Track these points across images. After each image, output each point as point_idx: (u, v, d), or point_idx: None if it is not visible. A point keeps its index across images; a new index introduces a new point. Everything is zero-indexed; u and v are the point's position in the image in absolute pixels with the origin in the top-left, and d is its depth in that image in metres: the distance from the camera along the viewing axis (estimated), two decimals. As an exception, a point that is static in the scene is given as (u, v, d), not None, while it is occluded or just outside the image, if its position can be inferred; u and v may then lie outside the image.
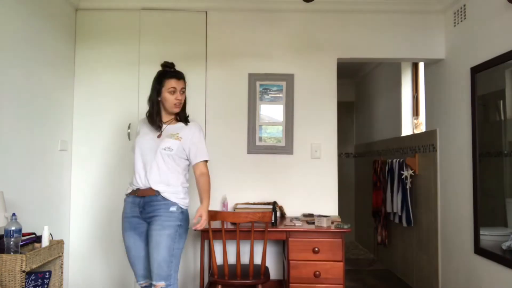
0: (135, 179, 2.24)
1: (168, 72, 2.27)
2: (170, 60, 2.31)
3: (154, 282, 2.11)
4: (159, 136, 2.26)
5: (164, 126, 2.31)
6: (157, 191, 2.17)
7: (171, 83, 2.23)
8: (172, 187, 2.19)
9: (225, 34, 3.36)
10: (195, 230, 2.23)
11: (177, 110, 2.29)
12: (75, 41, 3.31)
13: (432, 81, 3.60)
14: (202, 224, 2.20)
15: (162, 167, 2.19)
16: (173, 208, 2.15)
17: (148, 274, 2.19)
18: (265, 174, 3.31)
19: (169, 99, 2.24)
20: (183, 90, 2.28)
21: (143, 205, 2.19)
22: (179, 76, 2.27)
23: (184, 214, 2.22)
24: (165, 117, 2.33)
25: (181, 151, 2.24)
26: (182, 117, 2.34)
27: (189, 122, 2.35)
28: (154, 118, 2.27)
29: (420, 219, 3.71)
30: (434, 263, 3.42)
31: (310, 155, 3.32)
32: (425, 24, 3.36)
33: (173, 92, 2.23)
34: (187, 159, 2.30)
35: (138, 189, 2.22)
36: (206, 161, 2.32)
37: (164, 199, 2.16)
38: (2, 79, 2.38)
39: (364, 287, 3.87)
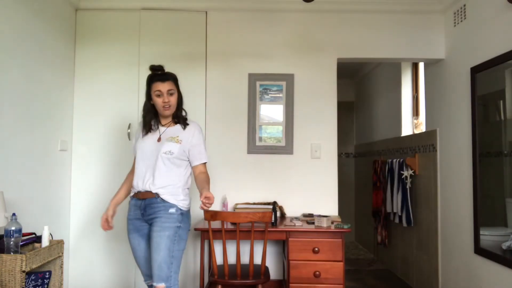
0: (135, 182, 2.25)
1: (155, 75, 2.25)
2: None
3: (154, 284, 2.11)
4: (159, 140, 2.25)
5: (163, 129, 2.30)
6: (156, 193, 2.17)
7: (157, 86, 2.21)
8: (172, 189, 2.19)
9: (225, 34, 3.36)
10: (202, 209, 2.09)
11: (167, 112, 2.26)
12: (75, 41, 3.31)
13: (432, 81, 3.60)
14: (211, 203, 2.05)
15: (163, 171, 2.20)
16: (172, 210, 2.15)
17: None
18: (265, 174, 3.31)
19: (157, 102, 2.23)
20: (170, 92, 2.22)
21: (144, 207, 2.20)
22: (164, 79, 2.22)
23: (184, 216, 2.22)
24: (163, 120, 2.33)
25: (181, 153, 2.24)
26: (180, 118, 2.31)
27: (188, 123, 2.33)
28: (145, 121, 2.30)
29: (420, 219, 3.71)
30: (434, 263, 3.42)
31: (310, 155, 3.32)
32: (425, 24, 3.36)
33: (159, 95, 2.21)
34: (189, 160, 2.30)
35: (139, 192, 2.23)
36: (205, 162, 2.33)
37: (164, 201, 2.17)
38: (2, 79, 2.38)
39: (364, 287, 3.87)
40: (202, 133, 2.36)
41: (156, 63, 2.34)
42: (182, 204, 2.21)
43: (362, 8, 3.35)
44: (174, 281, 2.14)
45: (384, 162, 4.32)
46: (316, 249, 2.67)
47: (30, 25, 2.67)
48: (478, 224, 2.79)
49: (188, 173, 2.30)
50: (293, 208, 3.28)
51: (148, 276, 2.27)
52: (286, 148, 3.32)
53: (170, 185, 2.19)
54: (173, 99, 2.25)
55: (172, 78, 2.25)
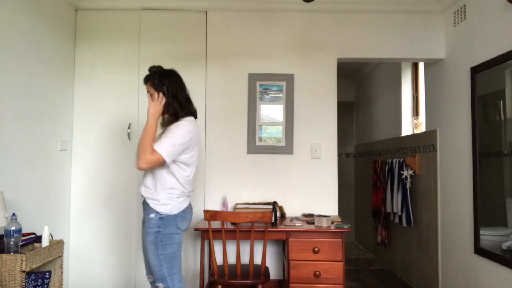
0: None
1: None
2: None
3: (156, 283, 2.15)
4: None
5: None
6: (143, 195, 2.18)
7: None
8: (153, 193, 2.14)
9: (225, 34, 3.36)
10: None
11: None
12: (75, 41, 3.31)
13: (432, 81, 3.60)
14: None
15: (148, 172, 2.17)
16: (152, 215, 2.12)
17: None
18: (265, 174, 3.31)
19: None
20: (150, 93, 2.20)
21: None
22: (144, 82, 2.24)
23: (165, 220, 2.11)
24: None
25: None
26: (173, 118, 2.21)
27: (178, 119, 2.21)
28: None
29: (420, 219, 3.71)
30: (434, 263, 3.42)
31: (310, 155, 3.32)
32: (425, 24, 3.36)
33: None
34: (171, 164, 2.11)
35: None
36: (162, 157, 2.02)
37: (147, 204, 2.15)
38: (2, 79, 2.38)
39: (364, 287, 3.87)
40: (183, 129, 2.11)
41: (156, 63, 2.33)
42: (161, 209, 2.11)
43: (362, 8, 3.35)
44: (172, 282, 2.12)
45: (384, 162, 4.32)
46: (316, 249, 2.67)
47: (30, 25, 2.67)
48: (478, 224, 2.79)
49: (174, 173, 2.13)
50: (293, 208, 3.28)
51: (147, 270, 2.27)
52: (286, 148, 3.32)
53: (152, 188, 2.15)
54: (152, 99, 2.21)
55: (150, 79, 2.21)
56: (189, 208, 2.25)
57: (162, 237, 2.10)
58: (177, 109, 2.19)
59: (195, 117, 2.29)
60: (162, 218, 2.11)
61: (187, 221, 2.24)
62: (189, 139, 2.12)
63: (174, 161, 2.12)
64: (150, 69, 2.27)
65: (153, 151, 2.02)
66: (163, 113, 2.20)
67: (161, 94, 2.15)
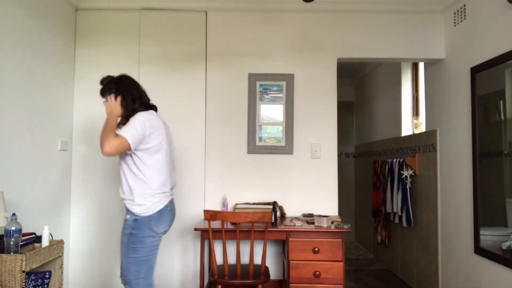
0: None
1: None
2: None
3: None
4: None
5: None
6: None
7: None
8: (129, 194, 2.13)
9: (225, 34, 3.36)
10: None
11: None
12: (75, 41, 3.31)
13: (432, 81, 3.60)
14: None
15: (121, 173, 2.18)
16: (127, 216, 2.13)
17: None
18: (265, 174, 3.31)
19: None
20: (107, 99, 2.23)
21: None
22: (100, 95, 2.25)
23: (139, 222, 2.09)
24: None
25: None
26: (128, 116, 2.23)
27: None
28: None
29: (420, 219, 3.71)
30: (434, 263, 3.42)
31: (310, 155, 3.33)
32: (425, 24, 3.36)
33: None
34: (135, 157, 2.11)
35: None
36: (126, 139, 2.03)
37: (125, 205, 2.16)
38: (2, 79, 2.38)
39: (364, 287, 3.87)
40: (140, 117, 2.11)
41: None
42: (135, 210, 2.10)
43: (362, 8, 3.35)
44: (137, 286, 2.09)
45: (384, 162, 4.32)
46: (316, 249, 2.67)
47: (30, 25, 2.67)
48: (478, 224, 2.79)
49: (143, 170, 2.12)
50: (293, 208, 3.28)
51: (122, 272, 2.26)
52: (286, 148, 3.32)
53: (127, 188, 2.14)
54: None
55: (106, 90, 2.23)
56: (166, 210, 2.17)
57: (134, 239, 2.09)
58: (135, 108, 2.20)
59: (155, 111, 2.30)
60: (136, 220, 2.10)
61: (164, 224, 2.17)
62: (148, 125, 2.11)
63: (138, 153, 2.10)
64: (102, 82, 2.26)
65: (116, 135, 2.04)
66: (123, 115, 2.20)
67: (118, 97, 2.18)
